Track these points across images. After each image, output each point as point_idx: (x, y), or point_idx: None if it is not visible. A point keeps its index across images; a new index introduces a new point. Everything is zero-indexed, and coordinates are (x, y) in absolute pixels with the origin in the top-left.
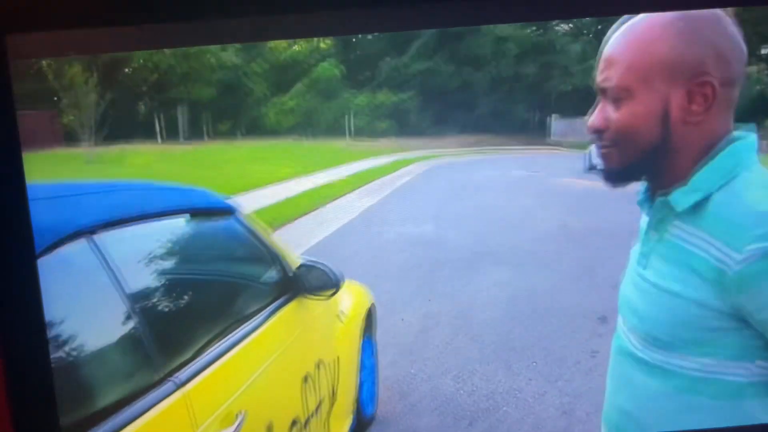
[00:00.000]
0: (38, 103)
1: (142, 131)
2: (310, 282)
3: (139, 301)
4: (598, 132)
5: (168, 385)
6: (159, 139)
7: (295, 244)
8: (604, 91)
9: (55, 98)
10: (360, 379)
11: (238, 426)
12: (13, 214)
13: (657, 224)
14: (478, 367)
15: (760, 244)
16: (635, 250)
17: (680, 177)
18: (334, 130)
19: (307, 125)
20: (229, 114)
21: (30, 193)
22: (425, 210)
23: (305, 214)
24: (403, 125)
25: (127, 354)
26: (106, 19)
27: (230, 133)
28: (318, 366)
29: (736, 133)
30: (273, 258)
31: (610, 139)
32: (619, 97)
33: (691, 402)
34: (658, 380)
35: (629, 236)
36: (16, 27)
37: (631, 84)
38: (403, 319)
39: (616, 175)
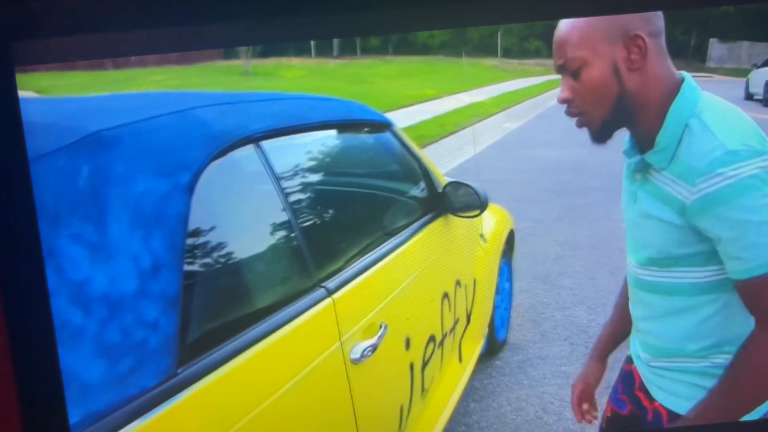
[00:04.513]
0: None
1: (296, 46)
2: (457, 200)
3: (296, 208)
4: (568, 102)
5: (320, 292)
6: (312, 54)
7: (439, 164)
8: (563, 69)
9: None
10: (495, 302)
11: (380, 337)
12: (21, 230)
13: (642, 169)
14: (613, 299)
15: (706, 182)
16: (624, 188)
17: (651, 130)
18: (484, 48)
19: (456, 43)
20: None
21: (204, 100)
22: (573, 134)
23: (452, 133)
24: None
25: (286, 258)
26: (109, 25)
27: (381, 49)
28: (456, 285)
29: (684, 84)
30: (424, 174)
31: (579, 106)
32: (576, 67)
33: (684, 304)
34: (660, 294)
35: None
36: (21, 34)
37: (582, 54)
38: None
39: (599, 135)
